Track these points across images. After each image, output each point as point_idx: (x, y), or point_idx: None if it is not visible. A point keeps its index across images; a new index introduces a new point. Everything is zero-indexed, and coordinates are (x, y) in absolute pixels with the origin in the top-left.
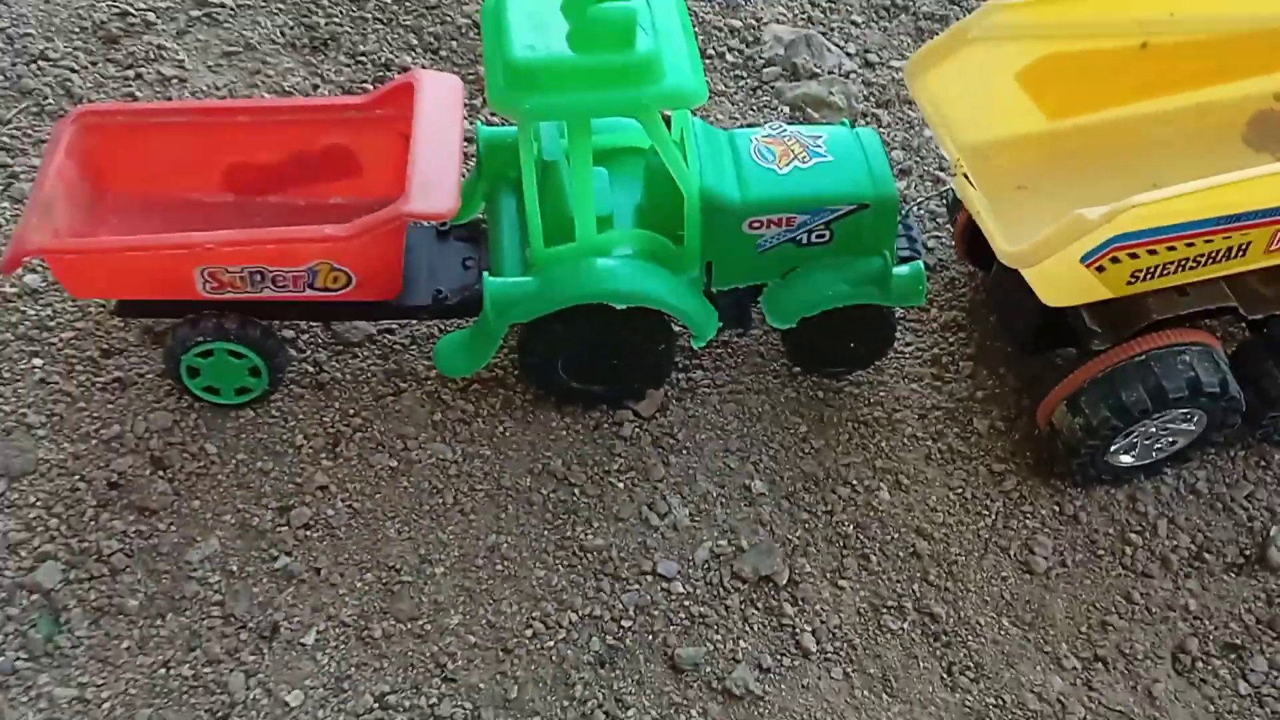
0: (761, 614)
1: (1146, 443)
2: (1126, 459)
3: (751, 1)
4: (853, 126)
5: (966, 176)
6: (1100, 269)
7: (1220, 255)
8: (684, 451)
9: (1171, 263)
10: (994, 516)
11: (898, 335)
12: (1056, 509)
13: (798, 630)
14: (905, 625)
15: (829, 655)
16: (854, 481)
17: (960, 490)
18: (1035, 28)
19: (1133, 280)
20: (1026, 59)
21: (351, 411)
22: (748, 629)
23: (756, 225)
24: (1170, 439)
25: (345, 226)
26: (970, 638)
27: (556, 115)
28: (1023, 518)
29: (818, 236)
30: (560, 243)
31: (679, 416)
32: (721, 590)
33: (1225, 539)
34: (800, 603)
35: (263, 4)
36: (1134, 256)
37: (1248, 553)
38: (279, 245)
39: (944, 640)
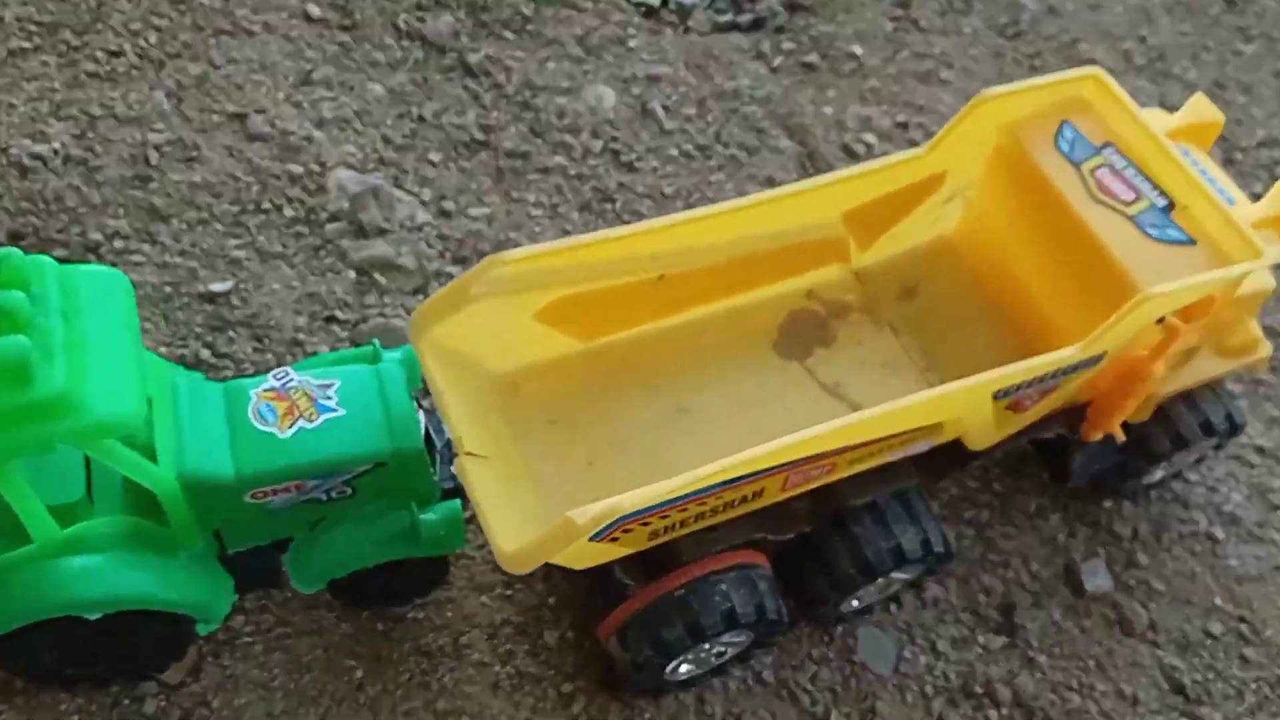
0: None
1: (703, 655)
2: (686, 668)
3: (314, 142)
4: (377, 353)
5: (470, 456)
6: (614, 539)
7: (736, 504)
8: None
9: (688, 518)
10: None
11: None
12: None
13: None
14: None
15: None
16: None
17: None
18: (541, 276)
19: (653, 537)
20: (540, 303)
21: None
22: None
23: (261, 495)
24: (723, 649)
25: None
26: None
27: None
28: None
29: (338, 493)
30: (18, 545)
31: (214, 679)
32: None
33: None
34: None
35: None
36: (645, 524)
37: None
38: None
39: None
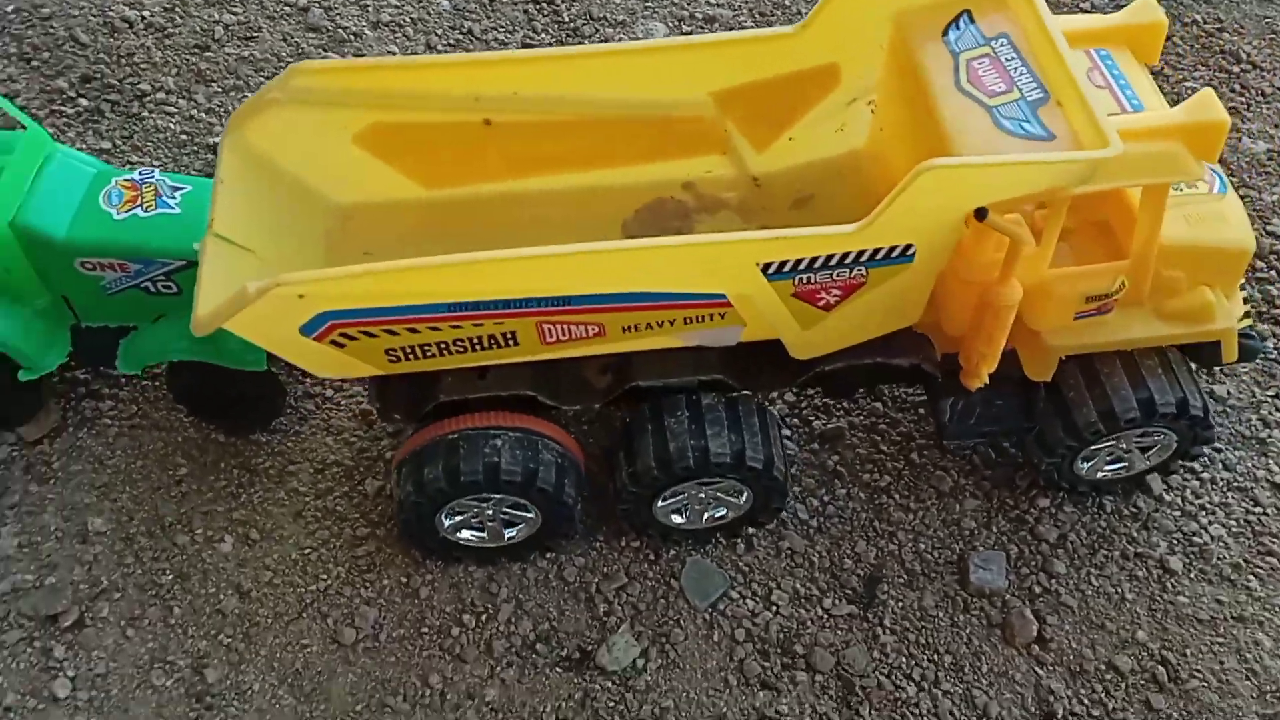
0: (37, 653)
1: (487, 522)
2: (467, 534)
3: (362, 39)
4: None
5: (218, 238)
6: (339, 344)
7: (484, 343)
8: (52, 482)
9: (429, 344)
10: (330, 581)
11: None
12: (403, 581)
13: (58, 673)
14: (170, 683)
15: (79, 704)
16: (199, 529)
17: (310, 551)
18: (351, 95)
19: (394, 358)
20: (356, 124)
21: None
22: (13, 666)
23: (90, 266)
24: (510, 524)
25: None
26: (235, 703)
27: None
28: (358, 587)
29: (164, 287)
30: None
31: (65, 445)
32: (4, 625)
33: (570, 631)
34: (75, 647)
35: None
36: (371, 335)
37: (587, 648)
38: None
39: (206, 703)
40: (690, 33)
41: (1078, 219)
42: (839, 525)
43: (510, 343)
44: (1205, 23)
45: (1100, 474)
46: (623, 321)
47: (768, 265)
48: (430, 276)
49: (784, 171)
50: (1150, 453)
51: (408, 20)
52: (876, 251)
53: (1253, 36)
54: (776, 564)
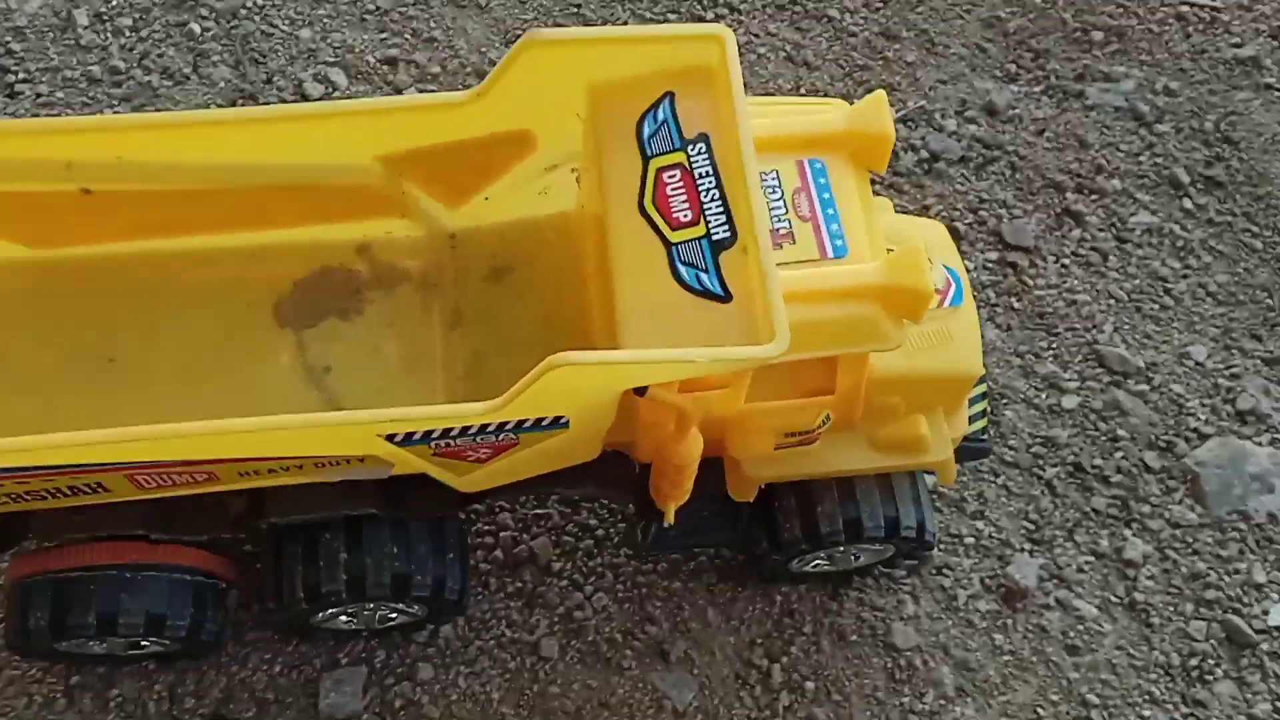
0: None
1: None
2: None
3: None
4: None
5: None
6: None
7: (66, 491)
8: None
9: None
10: None
11: None
12: None
13: None
14: None
15: None
16: None
17: None
18: None
19: None
20: None
21: None
22: None
23: None
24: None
25: None
26: None
27: None
28: None
29: None
30: None
31: None
32: None
33: None
34: None
35: None
36: None
37: None
38: None
39: None
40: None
41: None
42: None
43: (100, 489)
44: None
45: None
46: (238, 469)
47: (393, 436)
48: None
49: (482, 230)
50: (865, 556)
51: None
52: (522, 422)
53: None
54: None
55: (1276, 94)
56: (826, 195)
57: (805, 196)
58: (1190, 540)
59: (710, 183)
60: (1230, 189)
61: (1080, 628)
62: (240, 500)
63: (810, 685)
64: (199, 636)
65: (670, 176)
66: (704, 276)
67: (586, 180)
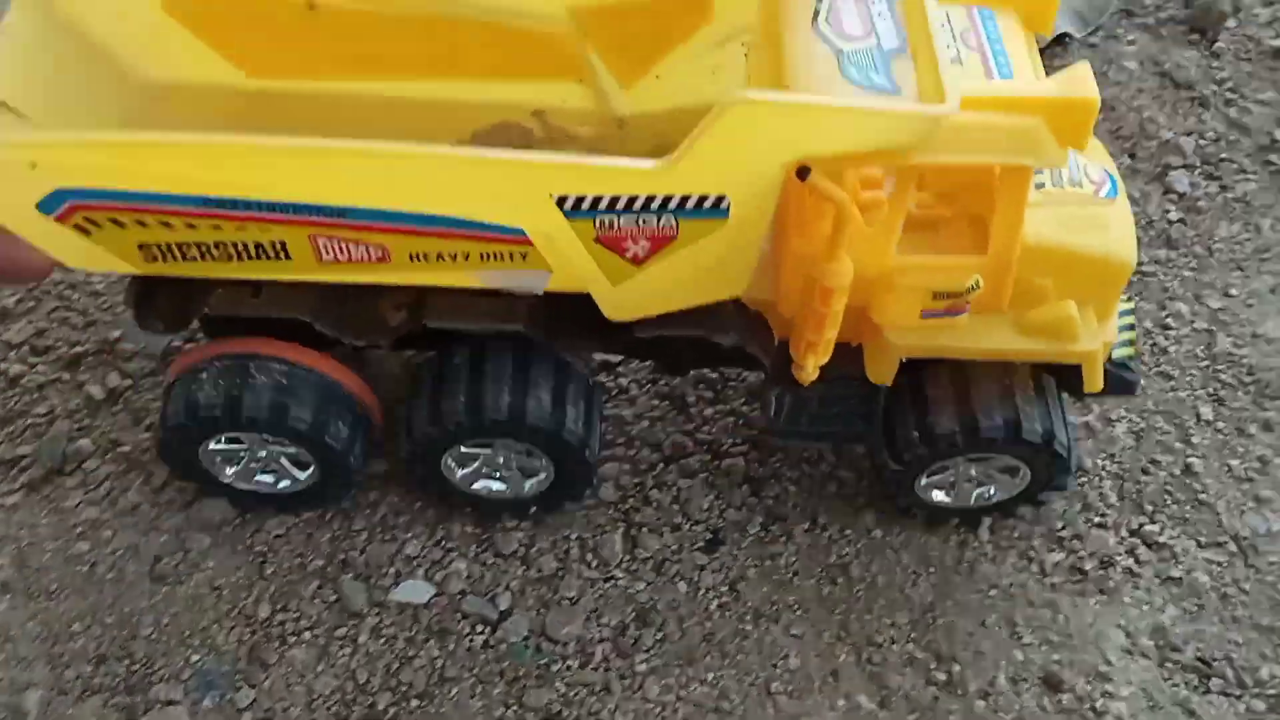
0: None
1: (249, 462)
2: (230, 470)
3: None
4: None
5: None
6: (84, 230)
7: (251, 251)
8: None
9: (187, 244)
10: None
11: None
12: None
13: None
14: None
15: None
16: None
17: None
18: None
19: (151, 257)
20: None
21: None
22: None
23: None
24: (274, 472)
25: None
26: None
27: None
28: None
29: None
30: None
31: None
32: None
33: None
34: None
35: None
36: (119, 224)
37: None
38: None
39: None
40: None
41: (954, 208)
42: None
43: (281, 255)
44: None
45: (936, 498)
46: (409, 247)
47: (563, 199)
48: (176, 156)
49: (651, 115)
50: (989, 488)
51: None
52: (685, 200)
53: None
54: None
55: None
56: (994, 35)
57: (974, 35)
58: None
59: (882, 6)
60: None
61: None
62: (399, 315)
63: None
64: (347, 461)
65: (845, 2)
66: (874, 75)
67: (755, 57)
